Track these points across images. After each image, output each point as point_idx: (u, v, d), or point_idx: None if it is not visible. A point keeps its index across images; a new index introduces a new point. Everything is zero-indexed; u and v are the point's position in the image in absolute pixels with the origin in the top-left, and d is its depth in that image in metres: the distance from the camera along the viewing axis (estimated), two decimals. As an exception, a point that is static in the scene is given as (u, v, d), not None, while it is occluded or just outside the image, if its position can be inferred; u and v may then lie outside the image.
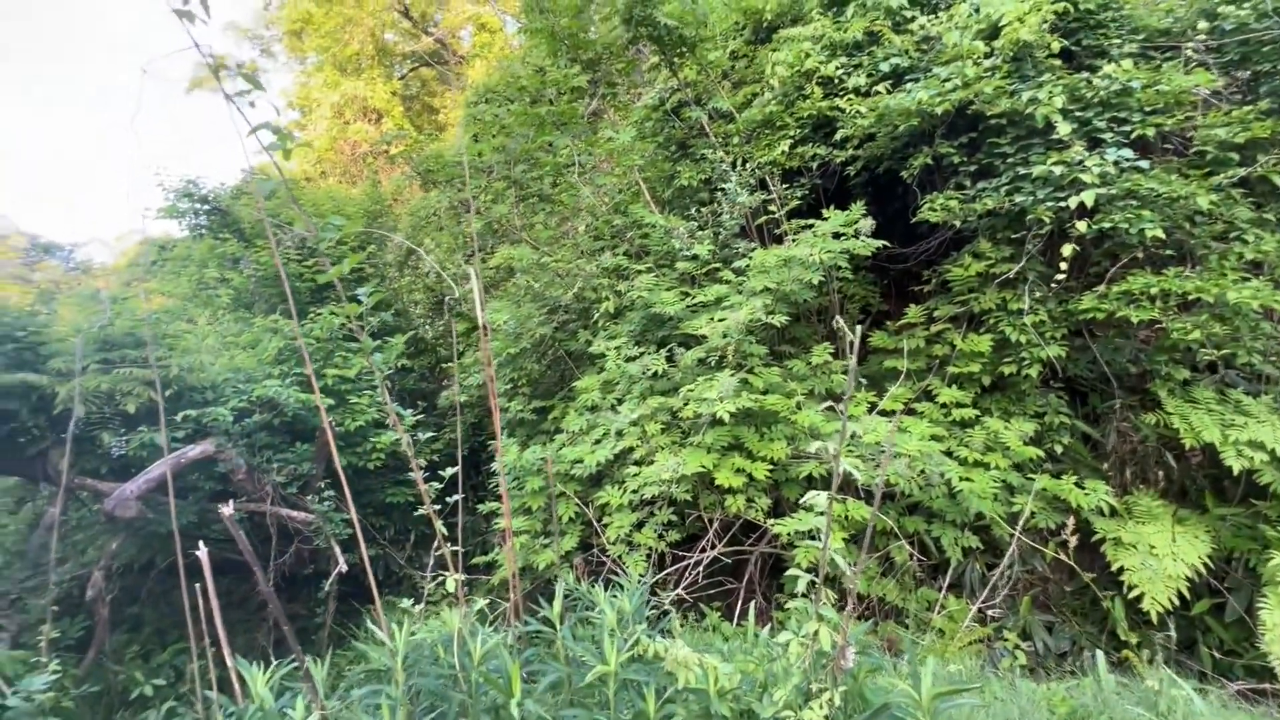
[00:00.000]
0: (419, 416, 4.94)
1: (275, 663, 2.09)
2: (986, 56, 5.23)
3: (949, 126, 5.48)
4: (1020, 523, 4.70)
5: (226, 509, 3.05)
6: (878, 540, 5.14)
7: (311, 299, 7.95)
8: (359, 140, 22.50)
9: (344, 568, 5.47)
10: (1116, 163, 4.65)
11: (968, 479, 4.61)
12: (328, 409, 6.28)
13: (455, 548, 2.51)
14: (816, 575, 2.15)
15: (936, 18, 5.96)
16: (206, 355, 5.96)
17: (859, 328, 1.73)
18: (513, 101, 7.47)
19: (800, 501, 4.22)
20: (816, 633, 2.04)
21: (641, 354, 5.27)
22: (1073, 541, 4.55)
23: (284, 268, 6.78)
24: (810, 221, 5.38)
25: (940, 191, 5.44)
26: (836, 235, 5.00)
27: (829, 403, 4.46)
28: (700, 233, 6.18)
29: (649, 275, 5.76)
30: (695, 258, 5.78)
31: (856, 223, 4.79)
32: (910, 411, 5.31)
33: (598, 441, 5.04)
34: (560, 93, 6.69)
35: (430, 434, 6.24)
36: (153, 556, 6.40)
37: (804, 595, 2.10)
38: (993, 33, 5.39)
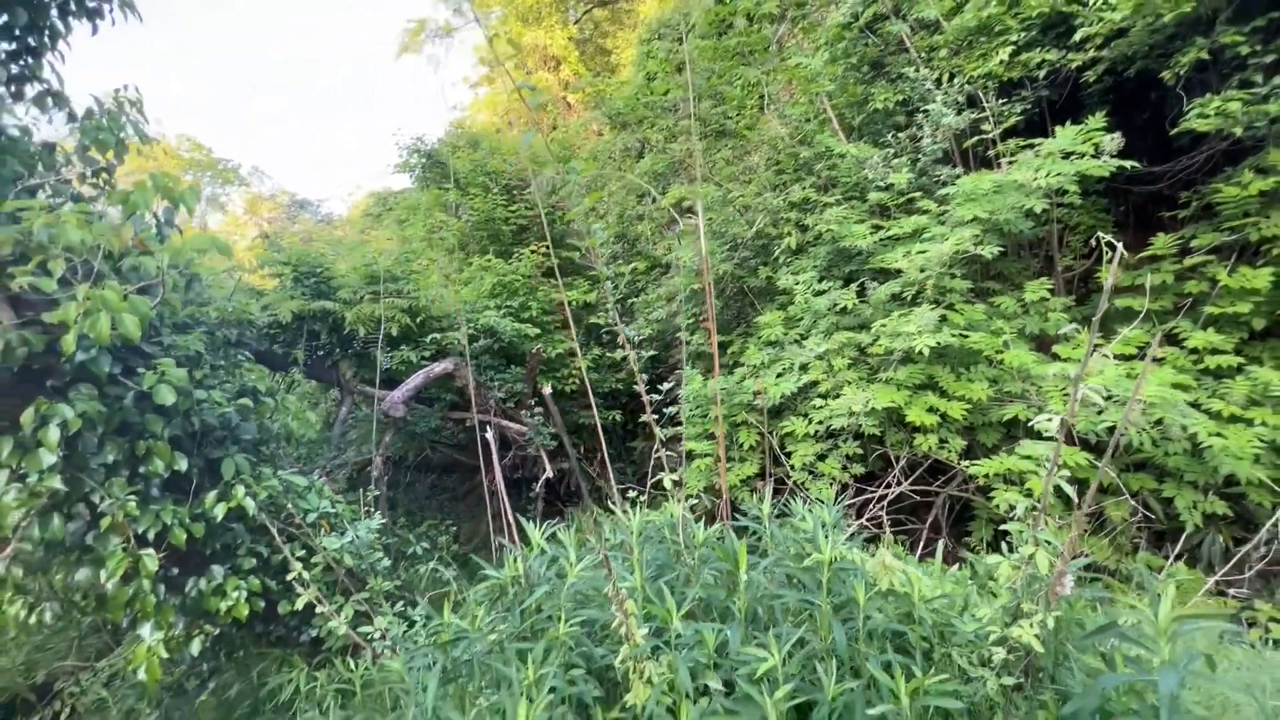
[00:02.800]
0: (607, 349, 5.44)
1: (535, 521, 2.64)
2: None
3: (1237, 8, 4.44)
4: (1289, 490, 3.98)
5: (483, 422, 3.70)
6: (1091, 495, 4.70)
7: (515, 240, 8.90)
8: (540, 88, 23.77)
9: (550, 473, 6.33)
10: None
11: (1219, 434, 3.99)
12: (534, 338, 7.14)
13: (668, 452, 2.85)
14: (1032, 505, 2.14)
15: None
16: (441, 289, 7.06)
17: (1119, 248, 1.65)
18: (686, 36, 7.42)
19: (1029, 423, 4.02)
20: (1033, 556, 2.05)
21: (829, 289, 5.21)
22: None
23: (491, 212, 7.56)
24: (1033, 141, 4.78)
25: (1216, 94, 4.48)
26: (1067, 155, 4.40)
27: (1037, 336, 4.09)
28: (896, 160, 5.79)
29: (838, 208, 5.58)
30: (890, 187, 5.46)
31: (1097, 138, 4.17)
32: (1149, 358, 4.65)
33: (780, 375, 5.16)
34: (749, 18, 6.49)
35: (651, 352, 6.81)
36: (405, 453, 7.93)
37: (1019, 519, 2.11)
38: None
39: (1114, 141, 4.07)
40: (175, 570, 2.98)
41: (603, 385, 7.98)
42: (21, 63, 2.88)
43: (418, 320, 6.39)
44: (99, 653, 4.07)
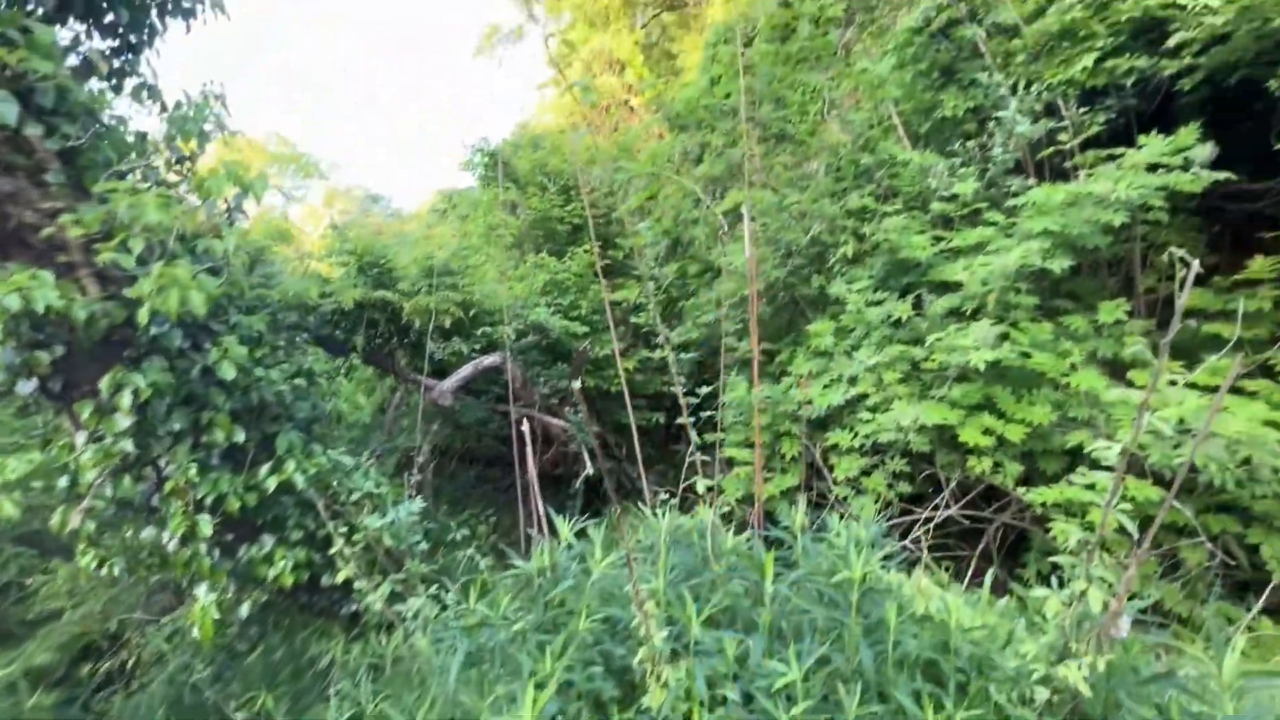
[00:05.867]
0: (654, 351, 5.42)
1: (572, 519, 2.66)
2: None
3: (1361, 12, 4.04)
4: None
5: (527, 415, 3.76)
6: (1162, 536, 4.37)
7: (569, 240, 9.02)
8: (604, 91, 24.11)
9: (590, 470, 6.37)
10: None
11: (1316, 478, 3.63)
12: (582, 336, 7.21)
13: (704, 457, 2.82)
14: (1090, 540, 2.00)
15: None
16: (495, 285, 7.23)
17: (1193, 264, 1.52)
18: (751, 41, 7.34)
19: (1087, 450, 3.78)
20: (1084, 593, 1.92)
21: (884, 300, 5.05)
22: None
23: (548, 211, 7.69)
24: (1115, 150, 4.49)
25: (1332, 104, 4.09)
26: (1153, 167, 4.11)
27: (1110, 361, 3.83)
28: (962, 170, 5.54)
29: (898, 217, 5.40)
30: (954, 198, 5.24)
31: (1188, 149, 3.87)
32: (1237, 390, 4.28)
33: (827, 385, 5.03)
34: (814, 22, 6.38)
35: (693, 355, 6.81)
36: (453, 442, 8.15)
37: (1072, 552, 1.97)
38: None
39: (1206, 153, 3.77)
40: (230, 536, 3.17)
41: (648, 387, 7.98)
42: (123, 58, 3.15)
43: (470, 314, 6.57)
44: (164, 609, 4.37)
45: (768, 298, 7.17)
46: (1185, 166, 3.94)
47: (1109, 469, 1.75)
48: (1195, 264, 1.50)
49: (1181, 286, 1.59)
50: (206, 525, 2.79)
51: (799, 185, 7.24)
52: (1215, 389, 4.32)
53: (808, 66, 6.53)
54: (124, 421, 2.54)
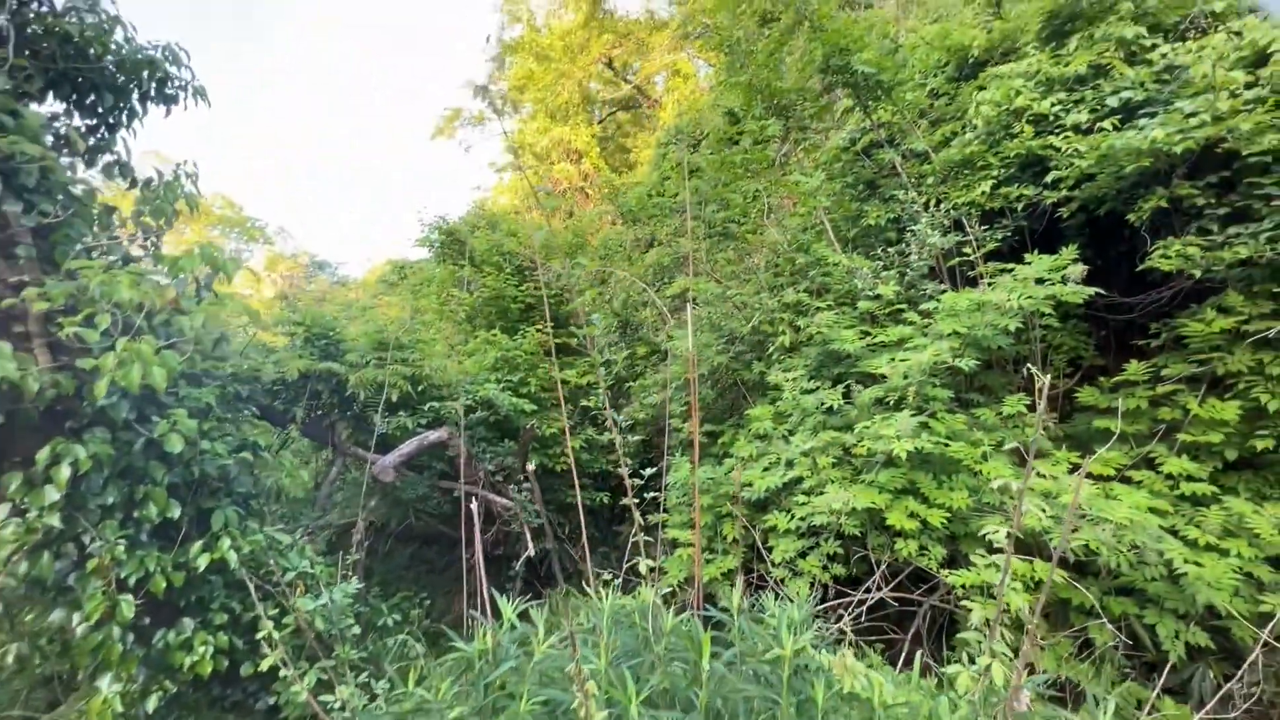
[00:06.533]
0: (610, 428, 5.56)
1: (513, 601, 2.67)
2: (1248, 88, 4.64)
3: (1192, 165, 4.91)
4: (1270, 627, 3.97)
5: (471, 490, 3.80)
6: (1074, 617, 4.66)
7: (521, 317, 9.24)
8: (561, 178, 25.37)
9: (532, 551, 6.27)
10: None
11: (1196, 563, 4.03)
12: (530, 413, 7.28)
13: (648, 538, 2.93)
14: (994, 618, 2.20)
15: (1184, 45, 5.39)
16: (445, 360, 7.29)
17: (1059, 381, 1.84)
18: (699, 144, 8.13)
19: (981, 533, 4.06)
20: (988, 667, 2.10)
21: (816, 388, 5.41)
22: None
23: (502, 289, 7.91)
24: (1010, 265, 5.15)
25: (1178, 237, 4.88)
26: (1040, 280, 4.73)
27: (1016, 449, 4.22)
28: (885, 273, 6.16)
29: (829, 313, 5.89)
30: (878, 297, 5.79)
31: (1064, 268, 4.51)
32: (1126, 480, 4.76)
33: (767, 468, 5.26)
34: (756, 141, 7.13)
35: (642, 437, 6.90)
36: (389, 519, 7.86)
37: (978, 629, 2.17)
38: (1259, 60, 4.77)
39: (1079, 271, 4.40)
40: (147, 620, 2.98)
41: (593, 465, 8.03)
42: (98, 136, 3.25)
43: (419, 388, 6.58)
44: (49, 705, 3.92)
45: (712, 381, 7.51)
46: (1064, 281, 4.57)
47: (1000, 550, 1.98)
48: (1047, 379, 1.81)
49: (1041, 394, 1.90)
50: (128, 607, 2.62)
51: (741, 278, 7.80)
52: (1109, 478, 4.80)
53: (749, 174, 7.23)
54: (54, 494, 2.43)
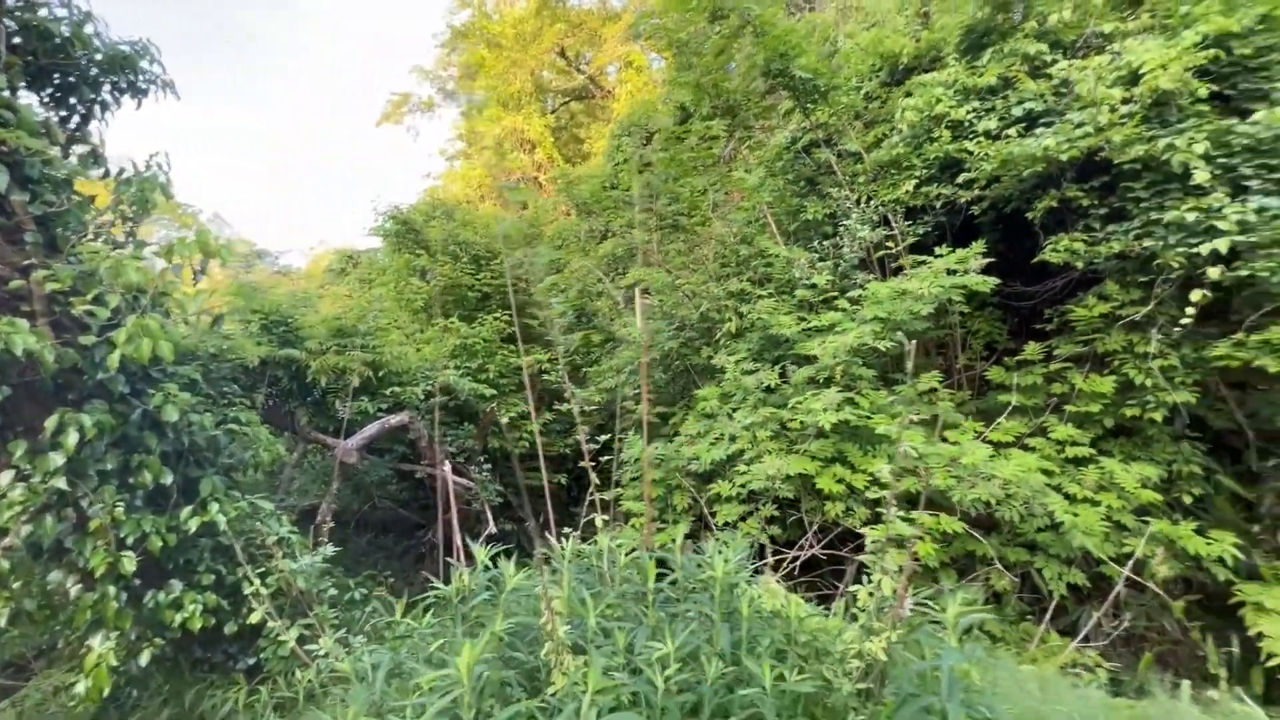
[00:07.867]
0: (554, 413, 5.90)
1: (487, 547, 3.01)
2: (1124, 103, 5.34)
3: (1079, 170, 5.61)
4: (1129, 565, 4.70)
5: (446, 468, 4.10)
6: (979, 567, 5.33)
7: (478, 306, 9.45)
8: (514, 169, 25.29)
9: (493, 530, 6.58)
10: (1261, 210, 4.60)
11: (1073, 514, 4.71)
12: (489, 398, 7.55)
13: (604, 516, 3.31)
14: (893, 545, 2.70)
15: (1080, 60, 6.08)
16: (404, 346, 7.47)
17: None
18: (650, 139, 8.51)
19: (872, 473, 4.65)
20: (879, 582, 2.59)
21: (757, 370, 5.91)
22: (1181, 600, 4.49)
23: (459, 279, 8.13)
24: (924, 258, 5.75)
25: (1067, 233, 5.57)
26: (951, 271, 5.34)
27: (929, 420, 4.80)
28: (821, 264, 6.71)
29: (769, 300, 6.40)
30: (814, 286, 6.33)
31: (968, 260, 5.12)
32: (1024, 447, 5.45)
33: (713, 443, 5.73)
34: (701, 139, 7.56)
35: (597, 423, 7.24)
36: (349, 505, 8.00)
37: (873, 553, 2.66)
38: (1132, 79, 5.47)
39: (979, 263, 5.02)
40: (137, 581, 3.17)
41: (552, 449, 8.36)
42: (72, 127, 3.36)
43: (379, 374, 6.76)
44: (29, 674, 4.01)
45: (664, 366, 7.95)
46: (967, 272, 5.19)
47: (913, 503, 2.46)
48: (918, 381, 2.28)
49: (906, 370, 2.38)
50: (130, 562, 2.83)
51: (691, 268, 8.24)
52: (1010, 444, 5.49)
53: (697, 171, 7.66)
54: (59, 460, 2.61)
